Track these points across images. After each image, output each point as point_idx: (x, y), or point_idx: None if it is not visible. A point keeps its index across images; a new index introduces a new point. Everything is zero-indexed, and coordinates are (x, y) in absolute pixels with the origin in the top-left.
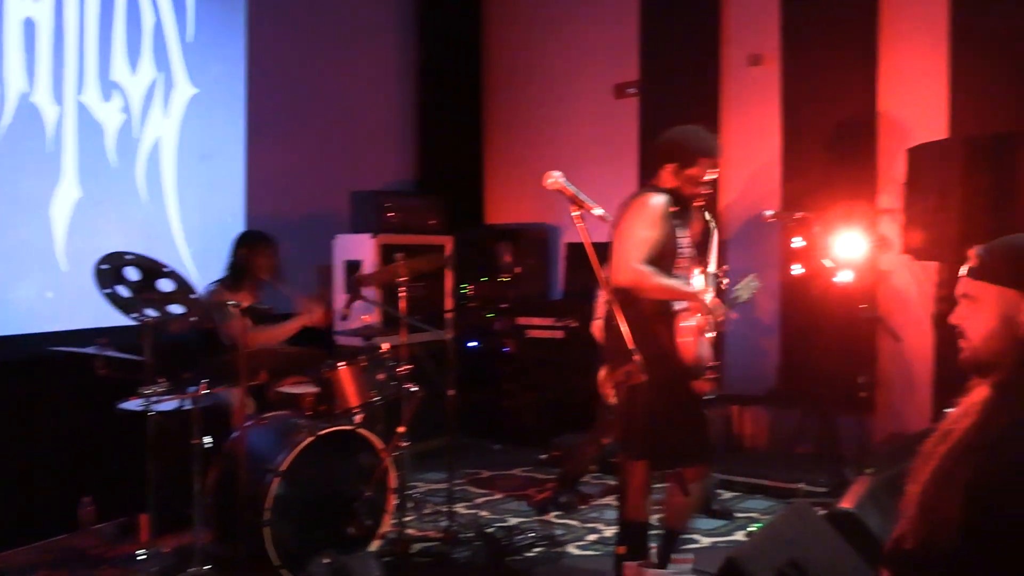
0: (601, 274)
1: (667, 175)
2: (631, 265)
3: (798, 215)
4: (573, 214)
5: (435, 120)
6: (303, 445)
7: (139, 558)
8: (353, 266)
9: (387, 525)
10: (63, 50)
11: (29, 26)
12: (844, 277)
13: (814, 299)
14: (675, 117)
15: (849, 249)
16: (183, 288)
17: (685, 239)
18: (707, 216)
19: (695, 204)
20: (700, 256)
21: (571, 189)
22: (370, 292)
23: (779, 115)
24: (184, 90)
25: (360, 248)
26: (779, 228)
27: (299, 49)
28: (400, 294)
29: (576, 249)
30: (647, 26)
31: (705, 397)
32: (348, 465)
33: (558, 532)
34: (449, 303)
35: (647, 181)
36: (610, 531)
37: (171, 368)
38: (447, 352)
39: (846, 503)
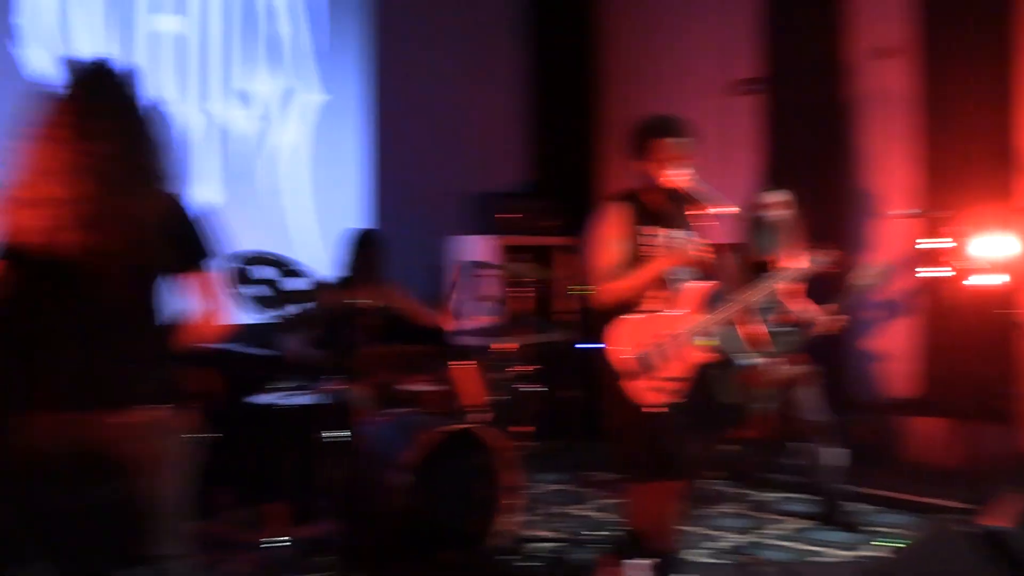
0: (740, 277)
1: (637, 174)
2: (597, 287)
3: (933, 214)
4: (702, 213)
5: (551, 121)
6: (428, 442)
7: (271, 546)
8: (471, 267)
9: (509, 524)
10: (207, 62)
11: (180, 41)
12: (984, 280)
13: (952, 303)
14: (798, 113)
15: (989, 250)
16: (313, 287)
17: (664, 240)
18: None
19: (667, 190)
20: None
21: (701, 187)
22: (489, 292)
23: (910, 110)
24: (314, 97)
25: (479, 249)
26: (912, 228)
27: (421, 55)
28: (520, 294)
29: None
30: (768, 19)
31: (648, 408)
32: (468, 463)
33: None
34: (568, 304)
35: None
36: (740, 538)
37: (301, 364)
38: (566, 353)
39: (998, 521)
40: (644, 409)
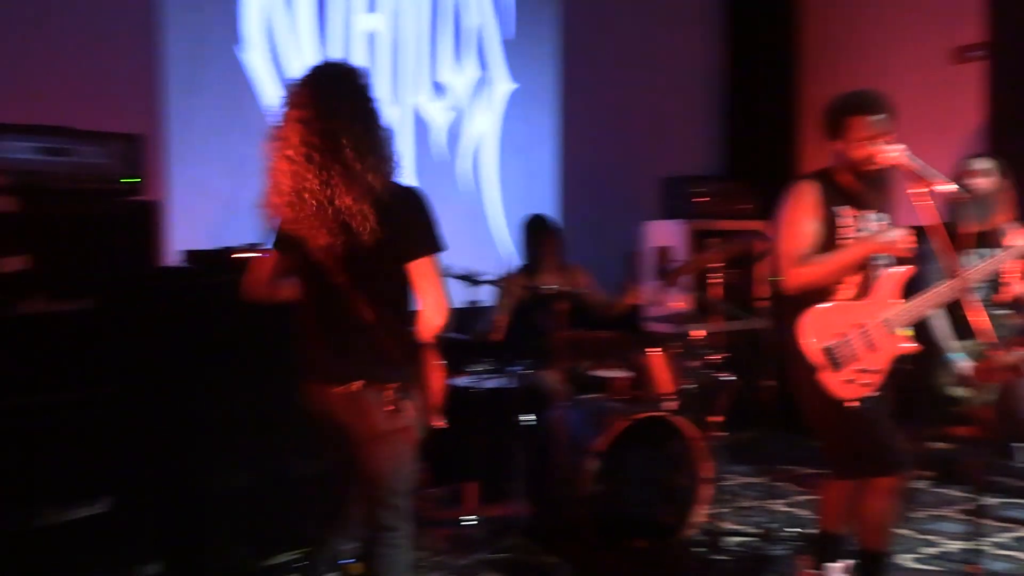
0: (953, 257)
1: (833, 155)
2: (790, 270)
3: None
4: (914, 191)
5: (746, 102)
6: (618, 428)
7: (466, 523)
8: (663, 252)
9: (700, 515)
10: (399, 56)
11: (371, 37)
12: None
13: None
14: None
15: None
16: (503, 274)
17: (856, 222)
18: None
19: (867, 172)
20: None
21: (915, 163)
22: (681, 278)
23: None
24: (504, 86)
25: (670, 234)
26: None
27: (609, 39)
28: (713, 281)
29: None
30: None
31: (846, 402)
32: (661, 451)
33: None
34: (764, 290)
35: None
36: (952, 545)
37: (493, 349)
38: (763, 341)
39: None
40: (844, 403)
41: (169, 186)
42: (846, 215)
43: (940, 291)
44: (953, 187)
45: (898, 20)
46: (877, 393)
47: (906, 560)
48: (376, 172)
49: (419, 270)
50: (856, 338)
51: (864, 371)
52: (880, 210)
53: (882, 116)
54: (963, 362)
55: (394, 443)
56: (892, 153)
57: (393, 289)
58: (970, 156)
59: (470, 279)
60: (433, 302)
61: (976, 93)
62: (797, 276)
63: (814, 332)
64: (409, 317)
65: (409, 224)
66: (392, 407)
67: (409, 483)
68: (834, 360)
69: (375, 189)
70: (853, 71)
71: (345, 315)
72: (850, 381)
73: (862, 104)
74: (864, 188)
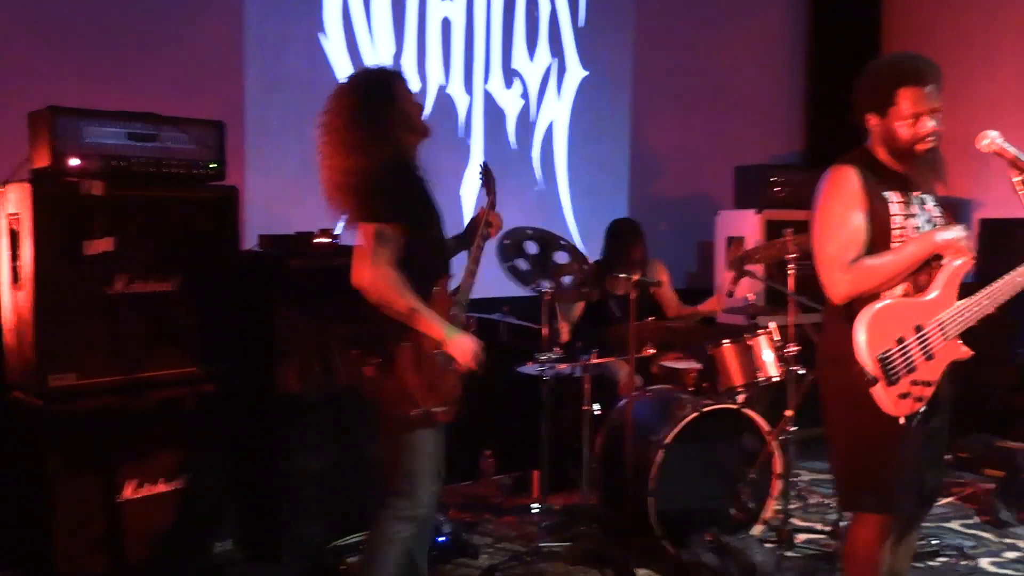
0: None
1: (871, 129)
2: (839, 277)
3: None
4: (1015, 179)
5: (825, 90)
6: (687, 420)
7: (533, 511)
8: (736, 242)
9: (770, 511)
10: (473, 44)
11: (446, 24)
12: None
13: None
14: None
15: None
16: (578, 260)
17: (909, 212)
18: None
19: (921, 153)
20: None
21: (1012, 151)
22: (756, 269)
23: None
24: (576, 74)
25: (744, 224)
26: None
27: (684, 26)
28: (788, 271)
29: (994, 226)
30: None
31: (905, 419)
32: (731, 445)
33: (968, 544)
34: None
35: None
36: None
37: (564, 337)
38: None
39: None
40: (897, 422)
41: (247, 172)
42: (895, 202)
43: (1000, 288)
44: None
45: (990, 8)
46: (927, 409)
47: (985, 564)
48: (359, 151)
49: (358, 235)
50: (914, 344)
51: (918, 383)
52: (930, 193)
53: (934, 87)
54: None
55: (382, 416)
56: (985, 140)
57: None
58: None
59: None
60: (353, 269)
61: None
62: (850, 285)
63: (869, 337)
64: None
65: (355, 194)
66: (372, 380)
67: (396, 460)
68: (891, 370)
69: (353, 168)
70: (944, 54)
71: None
72: (905, 395)
73: (915, 72)
74: (911, 169)
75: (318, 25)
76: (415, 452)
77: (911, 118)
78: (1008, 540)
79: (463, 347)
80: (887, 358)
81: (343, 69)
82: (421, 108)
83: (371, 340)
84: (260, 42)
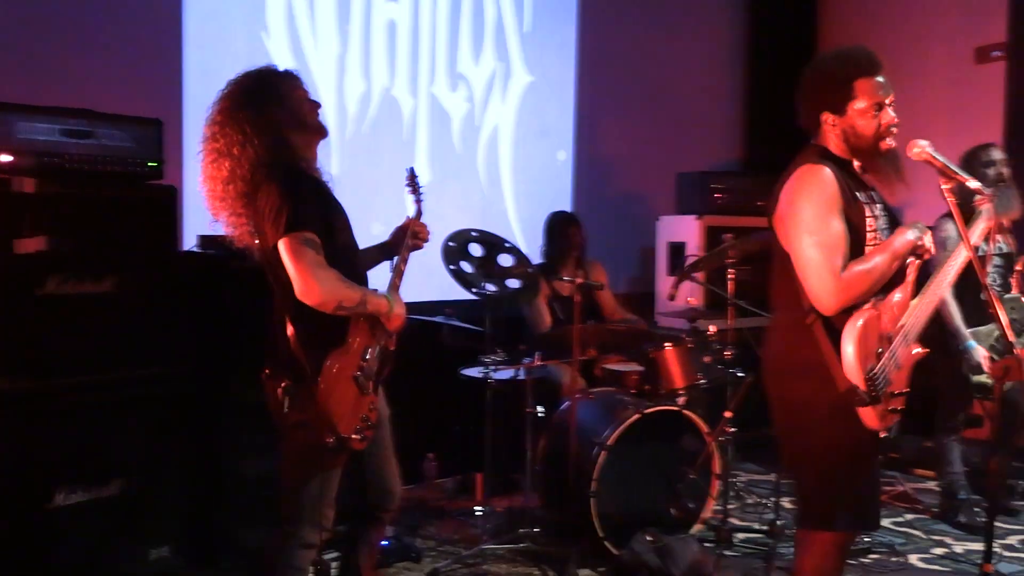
0: (974, 254)
1: (827, 128)
2: (832, 286)
3: None
4: (943, 187)
5: (764, 99)
6: (629, 422)
7: (476, 513)
8: (677, 248)
9: (709, 511)
10: (418, 46)
11: (391, 26)
12: None
13: None
14: None
15: None
16: (522, 263)
17: (875, 214)
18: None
19: (884, 150)
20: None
21: (941, 160)
22: (696, 274)
23: None
24: (521, 78)
25: (685, 230)
26: None
27: (627, 34)
28: (728, 276)
29: None
30: None
31: (881, 435)
32: (672, 446)
33: (898, 541)
34: None
35: (812, 144)
36: (959, 547)
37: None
38: None
39: None
40: (878, 435)
41: (186, 172)
42: (865, 203)
43: (938, 284)
44: (977, 183)
45: (922, 18)
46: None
47: (914, 560)
48: (240, 155)
49: (281, 253)
50: (887, 356)
51: (895, 395)
52: (883, 197)
53: (884, 77)
54: (980, 351)
55: (291, 441)
56: (916, 149)
57: (280, 277)
58: (985, 148)
59: (488, 269)
60: (298, 288)
61: (999, 93)
62: (844, 294)
63: (857, 353)
64: (307, 310)
65: (263, 205)
66: (281, 403)
67: (303, 487)
68: (880, 386)
69: (238, 175)
70: None
71: (273, 303)
72: (888, 410)
73: (868, 62)
74: (872, 168)
75: (261, 24)
76: (325, 481)
77: (873, 109)
78: (936, 537)
79: (401, 315)
80: (874, 375)
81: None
82: (316, 106)
83: (284, 360)
84: (200, 40)
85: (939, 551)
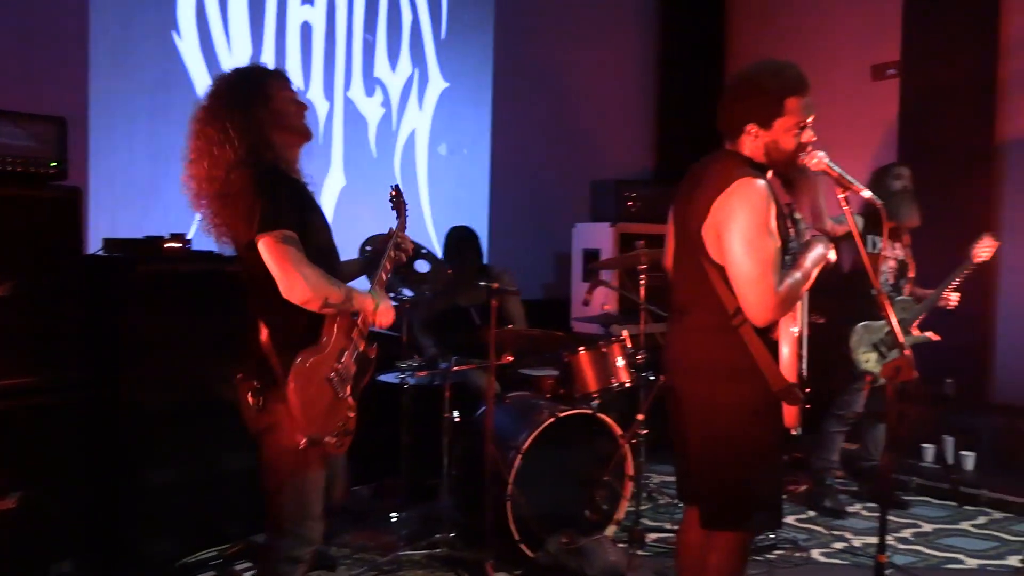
0: (867, 257)
1: (748, 138)
2: (770, 301)
3: None
4: (840, 196)
5: (675, 109)
6: (544, 426)
7: (391, 520)
8: (592, 254)
9: (623, 512)
10: (334, 50)
11: (306, 29)
12: None
13: None
14: (941, 97)
15: None
16: (438, 269)
17: (795, 226)
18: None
19: (799, 165)
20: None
21: (836, 170)
22: (609, 280)
23: None
24: (437, 84)
25: (599, 237)
26: None
27: (543, 43)
28: (640, 282)
29: None
30: (911, 0)
31: (792, 432)
32: (586, 449)
33: (801, 537)
34: None
35: (729, 150)
36: (858, 541)
37: (423, 345)
38: None
39: None
40: (791, 433)
41: (91, 173)
42: (787, 217)
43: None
44: (869, 193)
45: (824, 34)
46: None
47: (816, 555)
48: (224, 153)
49: (262, 252)
50: (796, 357)
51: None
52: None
53: (808, 96)
54: (870, 357)
55: (265, 446)
56: (813, 159)
57: (255, 277)
58: (895, 165)
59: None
60: (282, 285)
61: (893, 108)
62: (780, 308)
63: (790, 355)
64: (281, 311)
65: (239, 204)
66: (252, 406)
67: (279, 495)
68: (806, 383)
69: (218, 173)
70: None
71: (246, 304)
72: (801, 408)
73: (801, 81)
74: (787, 181)
75: (171, 23)
76: (302, 488)
77: (797, 127)
78: (836, 532)
79: (388, 311)
80: (803, 376)
81: (197, 70)
82: (303, 108)
83: (255, 363)
84: (107, 38)
85: (839, 545)
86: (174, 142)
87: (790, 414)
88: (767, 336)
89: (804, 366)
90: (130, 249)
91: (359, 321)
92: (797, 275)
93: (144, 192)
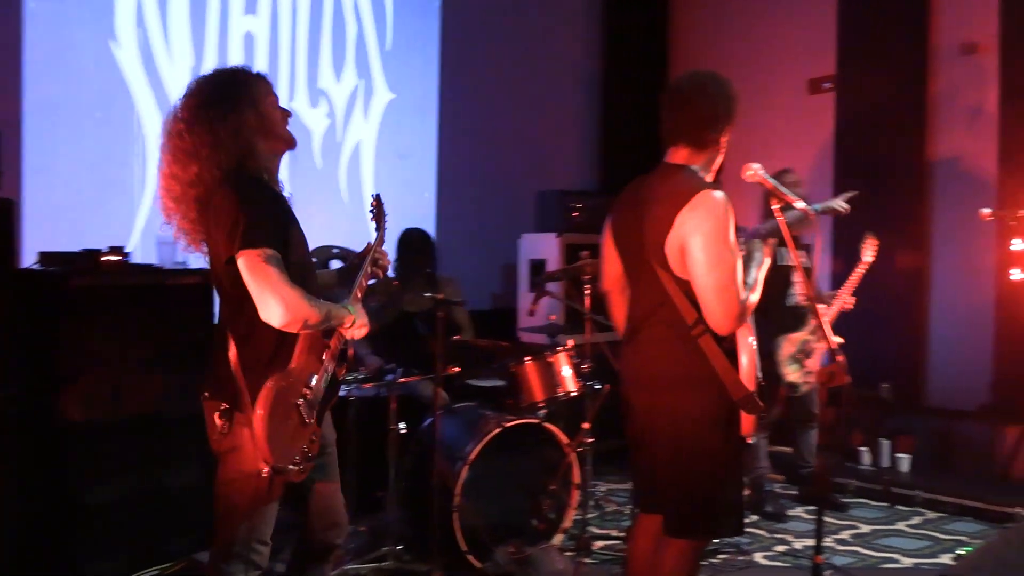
0: (801, 267)
1: (710, 151)
2: (735, 311)
3: (1020, 213)
4: (774, 207)
5: (619, 121)
6: (490, 436)
7: None
8: (538, 265)
9: (570, 520)
10: (278, 61)
11: (249, 39)
12: None
13: None
14: (875, 111)
15: None
16: (384, 281)
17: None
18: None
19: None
20: None
21: (771, 182)
22: (555, 290)
23: (996, 106)
24: (382, 95)
25: (545, 247)
26: (995, 229)
27: (488, 55)
28: (585, 292)
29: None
30: (846, 16)
31: (748, 440)
32: (533, 458)
33: (744, 541)
34: None
35: (672, 162)
36: (799, 543)
37: (367, 357)
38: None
39: None
40: (746, 441)
41: (25, 184)
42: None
43: None
44: (804, 204)
45: (763, 49)
46: None
47: (758, 558)
48: (203, 158)
49: (242, 270)
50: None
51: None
52: None
53: None
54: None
55: (225, 466)
56: (749, 171)
57: (230, 292)
58: (787, 171)
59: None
60: (261, 306)
61: (829, 121)
62: (742, 319)
63: (750, 364)
64: (253, 329)
65: (220, 216)
66: (219, 428)
67: (233, 518)
68: (761, 394)
69: (194, 178)
70: None
71: (218, 320)
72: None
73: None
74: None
75: (108, 31)
76: (257, 513)
77: (723, 147)
78: (778, 536)
79: (365, 324)
80: (761, 384)
81: (136, 79)
82: (287, 115)
83: (223, 382)
84: (42, 47)
85: (781, 548)
86: (114, 152)
87: (747, 422)
88: (724, 346)
89: (760, 375)
90: (66, 262)
91: (331, 342)
92: (752, 287)
93: (82, 204)
